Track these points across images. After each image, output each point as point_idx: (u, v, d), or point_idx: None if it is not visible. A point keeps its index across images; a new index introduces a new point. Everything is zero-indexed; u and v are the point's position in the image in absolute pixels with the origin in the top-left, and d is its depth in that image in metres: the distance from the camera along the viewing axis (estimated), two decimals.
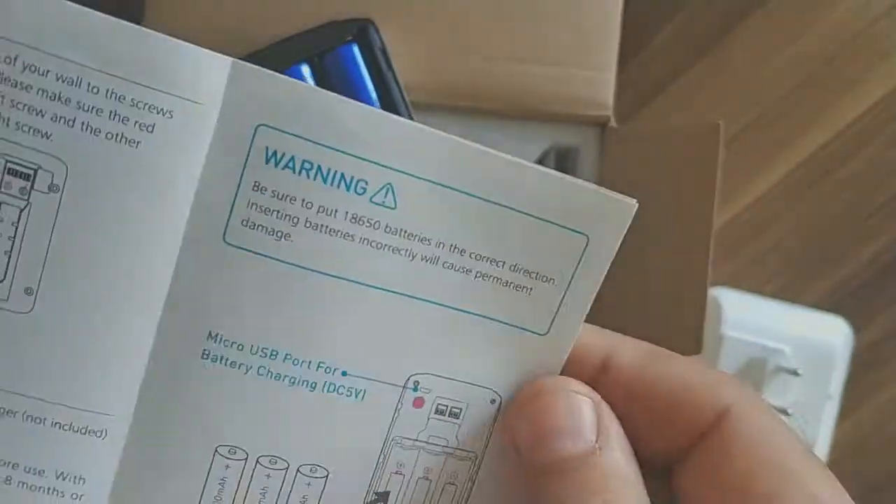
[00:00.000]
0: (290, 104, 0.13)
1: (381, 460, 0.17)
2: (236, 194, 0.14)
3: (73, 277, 0.14)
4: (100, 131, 0.13)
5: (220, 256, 0.14)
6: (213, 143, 0.14)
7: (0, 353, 0.14)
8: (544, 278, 0.16)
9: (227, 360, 0.15)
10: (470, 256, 0.15)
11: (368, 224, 0.14)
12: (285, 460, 0.16)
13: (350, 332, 0.15)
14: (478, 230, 0.15)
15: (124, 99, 0.13)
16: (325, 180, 0.14)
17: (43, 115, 0.13)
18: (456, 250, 0.15)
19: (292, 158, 0.14)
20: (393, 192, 0.14)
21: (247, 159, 0.14)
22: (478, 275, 0.16)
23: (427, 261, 0.15)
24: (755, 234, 0.42)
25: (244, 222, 0.14)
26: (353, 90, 0.35)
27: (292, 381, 0.15)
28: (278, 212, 0.14)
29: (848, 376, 0.41)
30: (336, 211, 0.14)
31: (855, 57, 0.42)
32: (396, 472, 0.17)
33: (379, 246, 0.15)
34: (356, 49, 0.35)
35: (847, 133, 0.42)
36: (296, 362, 0.15)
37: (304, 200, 0.14)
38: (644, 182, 0.36)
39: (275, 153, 0.14)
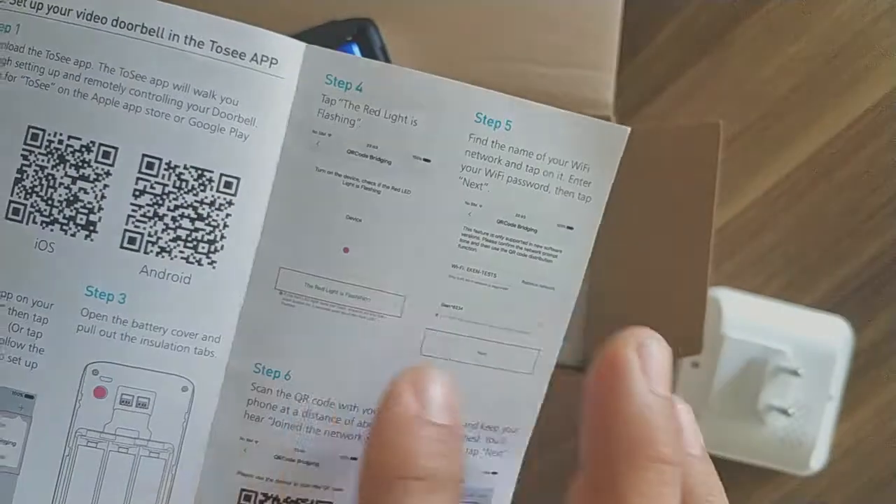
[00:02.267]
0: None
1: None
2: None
3: None
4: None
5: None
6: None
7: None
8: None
9: None
10: None
11: None
12: None
13: None
14: None
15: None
16: None
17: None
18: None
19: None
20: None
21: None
22: None
23: None
24: (755, 234, 0.42)
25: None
26: None
27: None
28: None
29: (848, 376, 0.41)
30: None
31: (855, 57, 0.42)
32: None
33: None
34: (356, 48, 0.35)
35: (847, 133, 0.42)
36: None
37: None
38: (644, 182, 0.36)
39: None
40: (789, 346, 0.39)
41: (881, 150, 0.42)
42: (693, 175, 0.33)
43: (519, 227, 0.21)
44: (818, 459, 0.40)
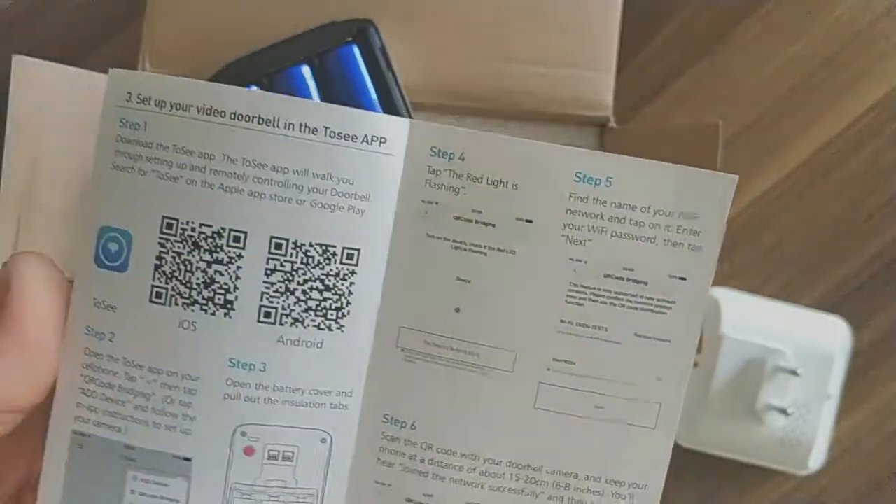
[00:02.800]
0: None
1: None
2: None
3: None
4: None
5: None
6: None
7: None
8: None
9: None
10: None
11: None
12: None
13: None
14: None
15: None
16: None
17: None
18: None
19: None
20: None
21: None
22: None
23: None
24: (754, 234, 0.42)
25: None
26: (353, 91, 0.35)
27: None
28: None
29: (847, 376, 0.41)
30: None
31: (854, 57, 0.43)
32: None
33: None
34: (356, 49, 0.35)
35: (846, 134, 0.42)
36: None
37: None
38: None
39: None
40: (788, 345, 0.39)
41: (880, 150, 0.42)
42: None
43: (627, 280, 0.22)
44: (817, 459, 0.40)
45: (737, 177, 0.22)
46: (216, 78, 0.35)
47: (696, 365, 0.40)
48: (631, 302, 0.22)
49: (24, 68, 0.32)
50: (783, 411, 0.38)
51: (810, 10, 0.43)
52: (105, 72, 0.35)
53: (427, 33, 0.37)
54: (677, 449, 0.41)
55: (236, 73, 0.35)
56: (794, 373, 0.38)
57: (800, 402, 0.39)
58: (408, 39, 0.37)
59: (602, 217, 0.22)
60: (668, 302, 0.22)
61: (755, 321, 0.40)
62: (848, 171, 0.42)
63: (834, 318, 0.41)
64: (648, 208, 0.22)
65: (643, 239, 0.22)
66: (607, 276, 0.22)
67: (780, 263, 0.42)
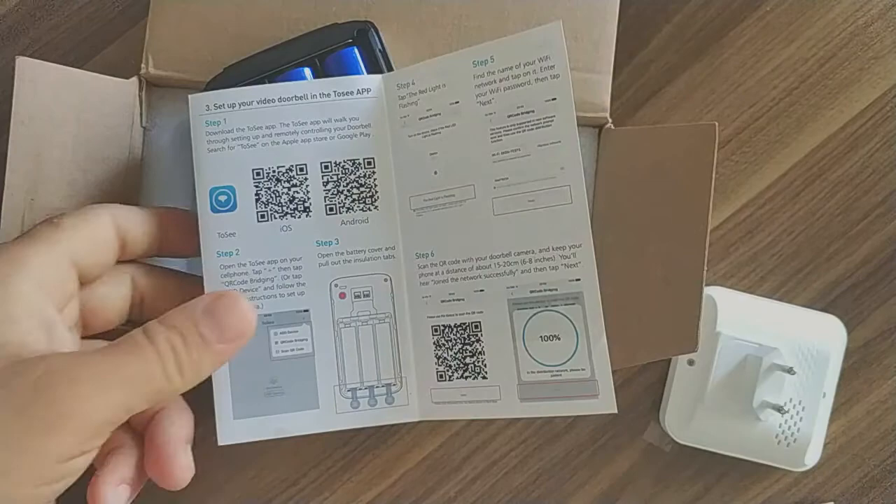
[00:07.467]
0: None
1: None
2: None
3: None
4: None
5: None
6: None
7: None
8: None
9: None
10: None
11: None
12: None
13: None
14: None
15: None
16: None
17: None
18: None
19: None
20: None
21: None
22: None
23: None
24: (750, 233, 0.42)
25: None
26: None
27: None
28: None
29: (842, 374, 0.41)
30: None
31: (849, 59, 0.43)
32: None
33: None
34: (356, 51, 0.35)
35: (841, 134, 0.43)
36: None
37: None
38: (640, 183, 0.37)
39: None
40: (784, 344, 0.40)
41: (874, 151, 0.43)
42: (689, 176, 0.33)
43: (522, 113, 0.31)
44: (812, 456, 0.41)
45: (560, 21, 0.30)
46: (217, 80, 0.36)
47: (692, 363, 0.40)
48: (528, 126, 0.31)
49: (28, 70, 0.32)
50: (779, 409, 0.39)
51: (805, 13, 0.43)
52: (108, 74, 0.36)
53: (427, 35, 0.37)
54: (673, 445, 0.41)
55: (237, 74, 0.36)
56: (789, 371, 0.39)
57: (795, 399, 0.40)
58: (408, 41, 0.37)
59: (496, 81, 0.32)
60: (550, 117, 0.31)
61: (751, 320, 0.40)
62: (843, 171, 0.43)
63: (829, 316, 0.42)
64: (520, 65, 0.31)
65: (522, 84, 0.31)
66: (510, 115, 0.32)
67: (776, 262, 0.42)
